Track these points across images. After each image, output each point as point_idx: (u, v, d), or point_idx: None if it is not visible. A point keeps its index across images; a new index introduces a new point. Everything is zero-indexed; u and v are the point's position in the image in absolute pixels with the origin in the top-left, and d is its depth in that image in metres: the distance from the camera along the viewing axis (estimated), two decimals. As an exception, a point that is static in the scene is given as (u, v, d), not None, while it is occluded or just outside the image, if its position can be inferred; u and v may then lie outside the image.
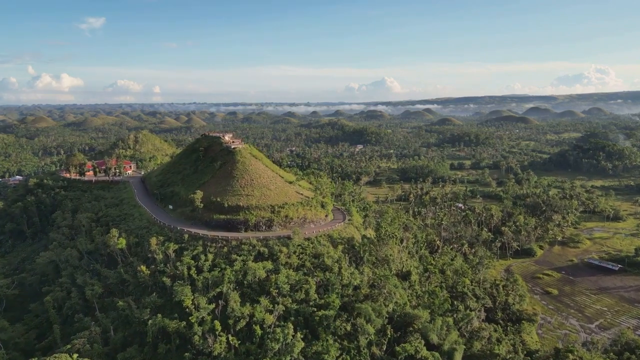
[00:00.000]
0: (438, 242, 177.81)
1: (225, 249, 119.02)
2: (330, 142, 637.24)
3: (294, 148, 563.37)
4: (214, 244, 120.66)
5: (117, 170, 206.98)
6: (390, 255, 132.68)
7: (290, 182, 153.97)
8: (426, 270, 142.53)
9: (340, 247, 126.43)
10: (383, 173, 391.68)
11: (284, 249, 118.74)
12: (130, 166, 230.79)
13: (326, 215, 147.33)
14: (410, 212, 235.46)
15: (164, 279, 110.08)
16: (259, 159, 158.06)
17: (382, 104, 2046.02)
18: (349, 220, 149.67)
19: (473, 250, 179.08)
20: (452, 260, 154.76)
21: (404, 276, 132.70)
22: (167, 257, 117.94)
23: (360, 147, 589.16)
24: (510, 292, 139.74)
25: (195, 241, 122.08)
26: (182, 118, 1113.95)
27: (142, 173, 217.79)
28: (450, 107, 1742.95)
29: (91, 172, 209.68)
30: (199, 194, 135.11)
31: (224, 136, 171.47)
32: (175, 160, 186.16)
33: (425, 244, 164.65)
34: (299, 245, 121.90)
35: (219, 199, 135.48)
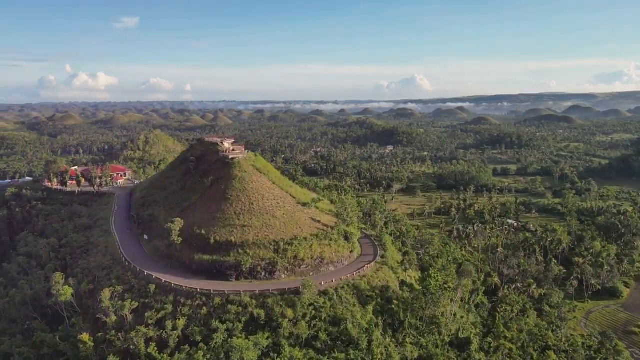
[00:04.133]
0: (497, 280, 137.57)
1: (204, 311, 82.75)
2: (358, 143, 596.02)
3: (319, 149, 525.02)
4: (189, 301, 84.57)
5: (104, 180, 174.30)
6: (442, 314, 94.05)
7: (305, 205, 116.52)
8: (488, 330, 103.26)
9: (370, 307, 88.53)
10: (417, 179, 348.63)
11: (289, 312, 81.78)
12: (125, 174, 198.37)
13: (351, 251, 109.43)
14: (454, 232, 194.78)
15: (111, 357, 74.80)
16: (264, 173, 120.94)
17: (412, 101, 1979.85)
18: (382, 257, 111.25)
19: (542, 291, 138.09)
20: (522, 313, 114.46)
21: (460, 345, 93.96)
22: (123, 319, 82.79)
23: (390, 148, 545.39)
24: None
25: (165, 295, 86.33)
26: (208, 116, 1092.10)
27: (136, 183, 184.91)
28: (483, 106, 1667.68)
29: (74, 182, 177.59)
30: (177, 223, 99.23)
31: (222, 142, 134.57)
32: (164, 171, 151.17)
33: (484, 288, 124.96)
34: (310, 305, 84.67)
35: (203, 232, 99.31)
